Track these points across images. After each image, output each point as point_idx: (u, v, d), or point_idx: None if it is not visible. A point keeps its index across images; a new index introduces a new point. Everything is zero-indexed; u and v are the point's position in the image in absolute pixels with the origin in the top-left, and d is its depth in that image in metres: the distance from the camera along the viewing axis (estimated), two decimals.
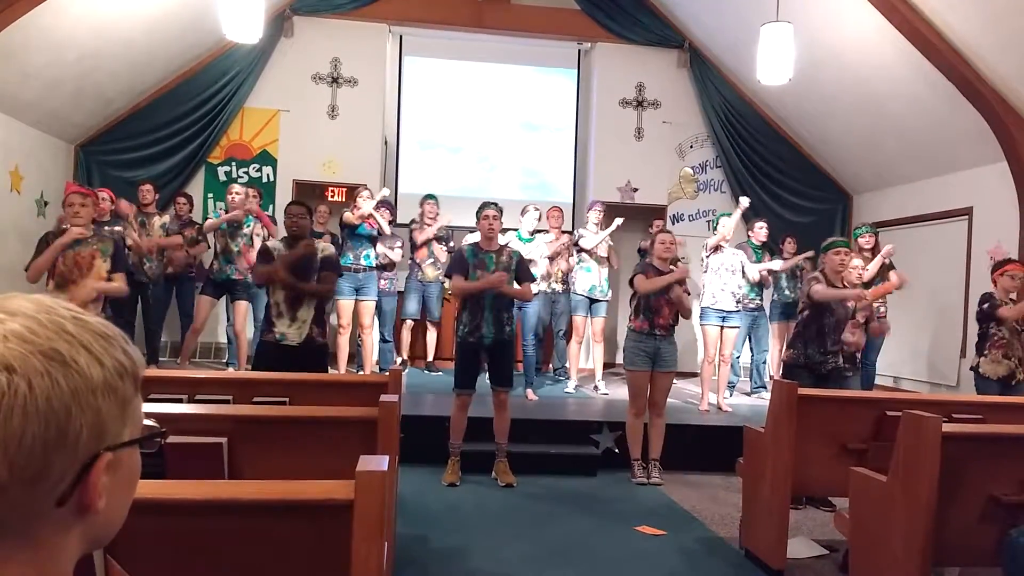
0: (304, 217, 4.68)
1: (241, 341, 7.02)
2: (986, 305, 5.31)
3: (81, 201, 4.57)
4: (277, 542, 1.81)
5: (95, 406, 0.66)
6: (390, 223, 7.48)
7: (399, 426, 3.06)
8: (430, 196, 7.81)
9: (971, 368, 5.48)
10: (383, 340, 7.60)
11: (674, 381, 5.81)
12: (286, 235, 4.75)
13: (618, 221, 7.19)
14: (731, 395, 7.46)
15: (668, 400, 5.53)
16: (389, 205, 7.76)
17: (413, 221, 7.77)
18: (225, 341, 8.09)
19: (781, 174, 9.30)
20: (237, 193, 7.09)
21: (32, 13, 5.91)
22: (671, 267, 5.43)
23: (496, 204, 5.22)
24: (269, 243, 4.94)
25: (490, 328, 4.95)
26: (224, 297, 7.23)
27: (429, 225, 7.60)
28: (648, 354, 5.30)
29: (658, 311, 5.29)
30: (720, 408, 6.82)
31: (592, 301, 7.25)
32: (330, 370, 6.81)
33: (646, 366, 5.30)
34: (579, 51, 9.73)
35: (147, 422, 0.74)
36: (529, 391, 6.88)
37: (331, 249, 4.95)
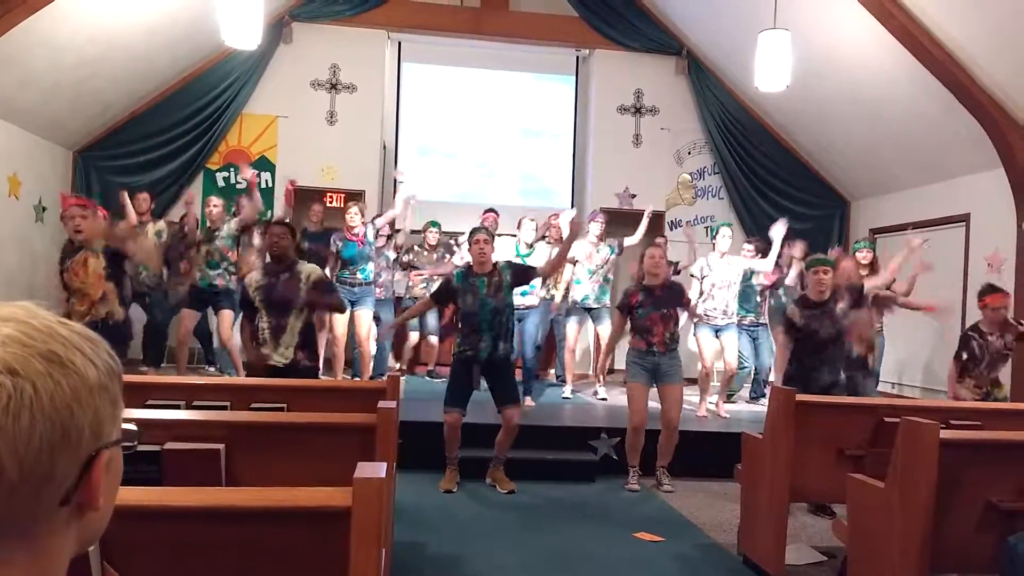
0: (285, 238, 4.46)
1: (232, 350, 6.87)
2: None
3: (82, 213, 4.49)
4: (274, 549, 1.80)
5: (94, 405, 0.68)
6: (392, 232, 7.50)
7: (397, 432, 3.06)
8: (434, 223, 7.87)
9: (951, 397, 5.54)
10: (380, 347, 7.56)
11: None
12: (268, 259, 4.62)
13: (649, 209, 7.42)
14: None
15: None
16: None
17: (412, 248, 7.78)
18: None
19: (779, 180, 9.32)
20: (215, 206, 6.98)
21: (31, 19, 5.91)
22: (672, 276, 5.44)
23: (487, 229, 5.41)
24: (247, 279, 4.71)
25: (487, 346, 4.98)
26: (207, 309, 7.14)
27: (430, 248, 7.77)
28: (647, 370, 5.28)
29: (650, 330, 5.27)
30: (719, 414, 6.81)
31: (589, 309, 7.24)
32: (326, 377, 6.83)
33: (645, 380, 5.28)
34: (577, 58, 9.75)
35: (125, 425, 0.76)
36: (527, 398, 6.88)
37: (317, 272, 4.62)
